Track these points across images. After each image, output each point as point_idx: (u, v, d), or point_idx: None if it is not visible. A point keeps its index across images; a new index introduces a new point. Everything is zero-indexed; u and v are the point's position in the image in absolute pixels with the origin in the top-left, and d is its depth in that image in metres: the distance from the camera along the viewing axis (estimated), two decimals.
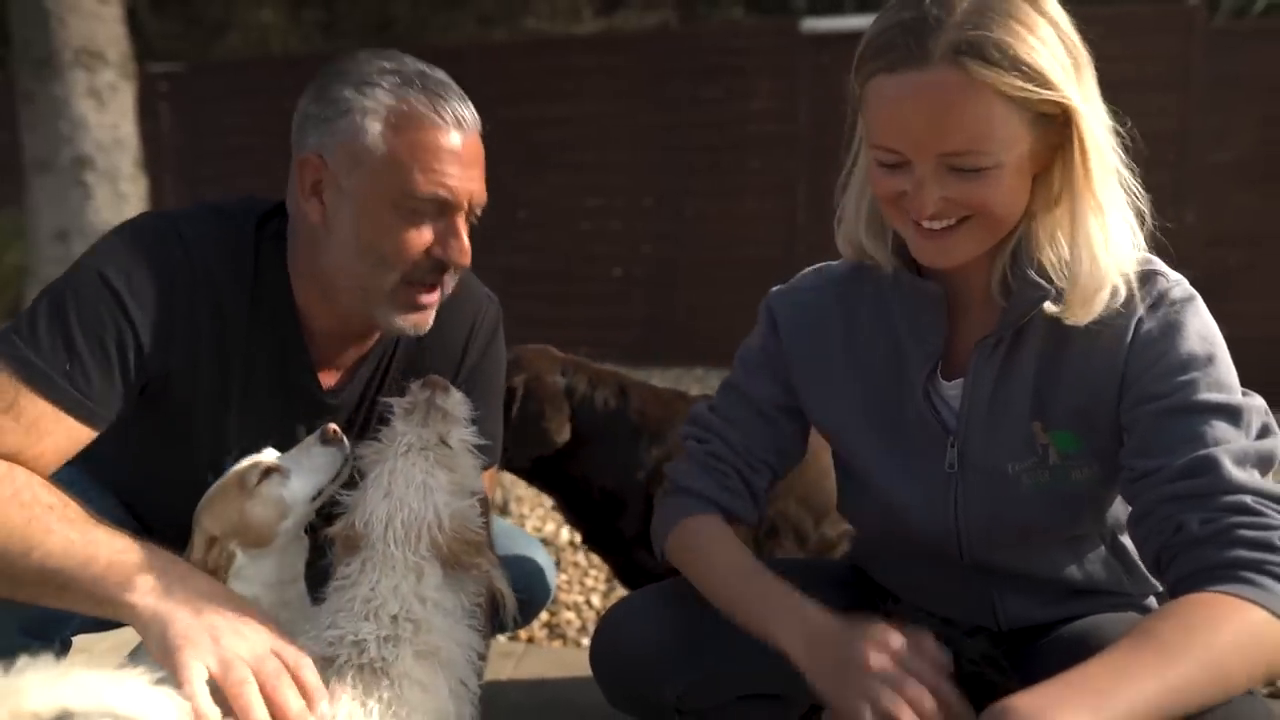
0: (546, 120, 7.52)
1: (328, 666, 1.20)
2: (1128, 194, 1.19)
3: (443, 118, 1.34)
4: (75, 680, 0.98)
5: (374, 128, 1.33)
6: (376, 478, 1.32)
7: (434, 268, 1.39)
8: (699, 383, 6.39)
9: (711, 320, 6.98)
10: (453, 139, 1.35)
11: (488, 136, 1.44)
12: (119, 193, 6.09)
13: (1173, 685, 0.95)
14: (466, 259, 1.40)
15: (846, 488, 1.47)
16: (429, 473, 1.31)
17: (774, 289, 1.48)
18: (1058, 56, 1.09)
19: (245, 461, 1.36)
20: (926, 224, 1.18)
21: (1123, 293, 1.17)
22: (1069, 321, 1.18)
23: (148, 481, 1.51)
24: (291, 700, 1.10)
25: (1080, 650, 1.01)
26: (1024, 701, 0.93)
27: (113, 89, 6.03)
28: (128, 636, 1.22)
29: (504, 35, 11.19)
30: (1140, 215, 1.20)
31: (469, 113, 1.38)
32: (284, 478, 1.35)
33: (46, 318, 1.27)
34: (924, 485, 1.32)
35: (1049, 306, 1.19)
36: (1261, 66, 6.10)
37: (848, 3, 10.70)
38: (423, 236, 1.36)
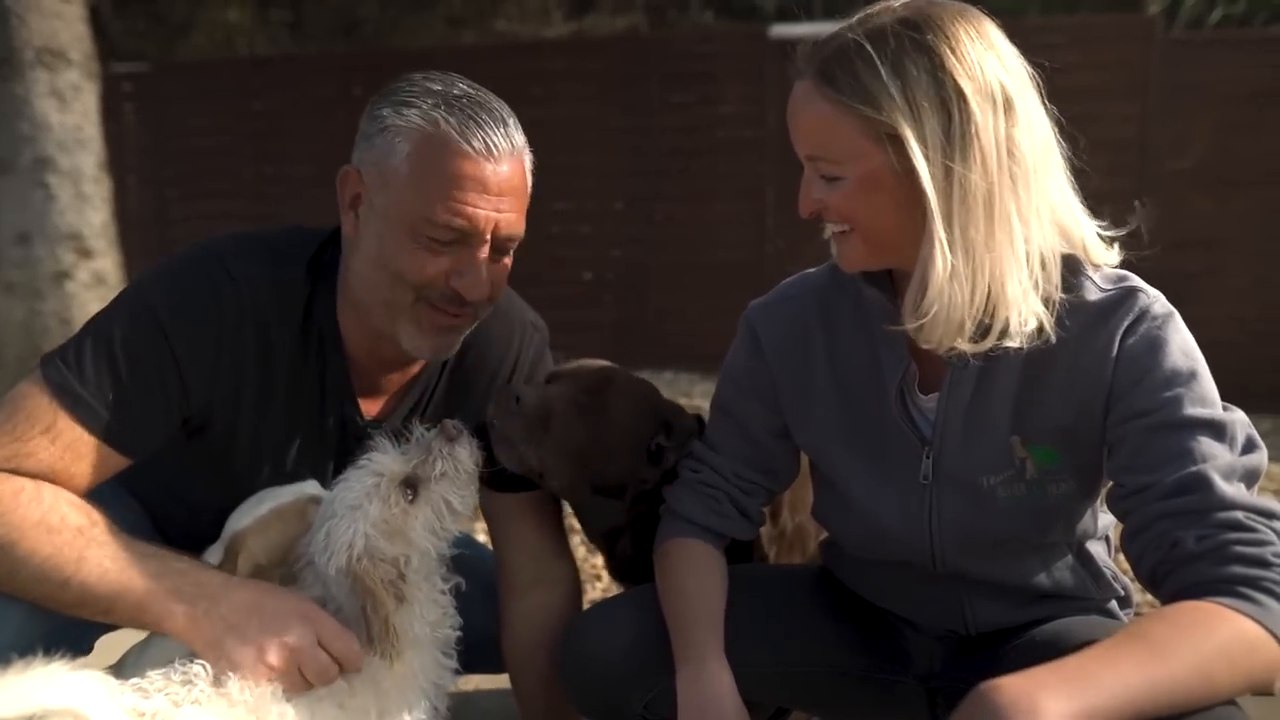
0: None
1: None
2: (1077, 207, 1.22)
3: (470, 144, 1.30)
4: (2, 690, 0.99)
5: (402, 149, 1.30)
6: (333, 489, 1.32)
7: (448, 296, 1.35)
8: (668, 386, 6.37)
9: (681, 324, 7.00)
10: (478, 167, 1.30)
11: None
12: (82, 194, 5.96)
13: (1157, 681, 0.97)
14: (481, 293, 1.35)
15: (823, 495, 1.48)
16: (367, 499, 1.27)
17: (753, 302, 1.48)
18: (911, 91, 1.10)
19: (293, 492, 1.33)
20: (830, 225, 1.24)
21: (1014, 324, 1.17)
22: (923, 345, 1.21)
23: (175, 498, 1.50)
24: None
25: (1051, 653, 1.02)
26: (1010, 682, 0.96)
27: (75, 89, 5.91)
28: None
29: (473, 38, 11.13)
30: (1094, 230, 1.24)
31: (504, 141, 1.33)
32: None
33: (93, 349, 1.28)
34: (899, 495, 1.33)
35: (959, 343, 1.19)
36: (1217, 75, 6.22)
37: (816, 9, 10.77)
38: (438, 264, 1.32)
